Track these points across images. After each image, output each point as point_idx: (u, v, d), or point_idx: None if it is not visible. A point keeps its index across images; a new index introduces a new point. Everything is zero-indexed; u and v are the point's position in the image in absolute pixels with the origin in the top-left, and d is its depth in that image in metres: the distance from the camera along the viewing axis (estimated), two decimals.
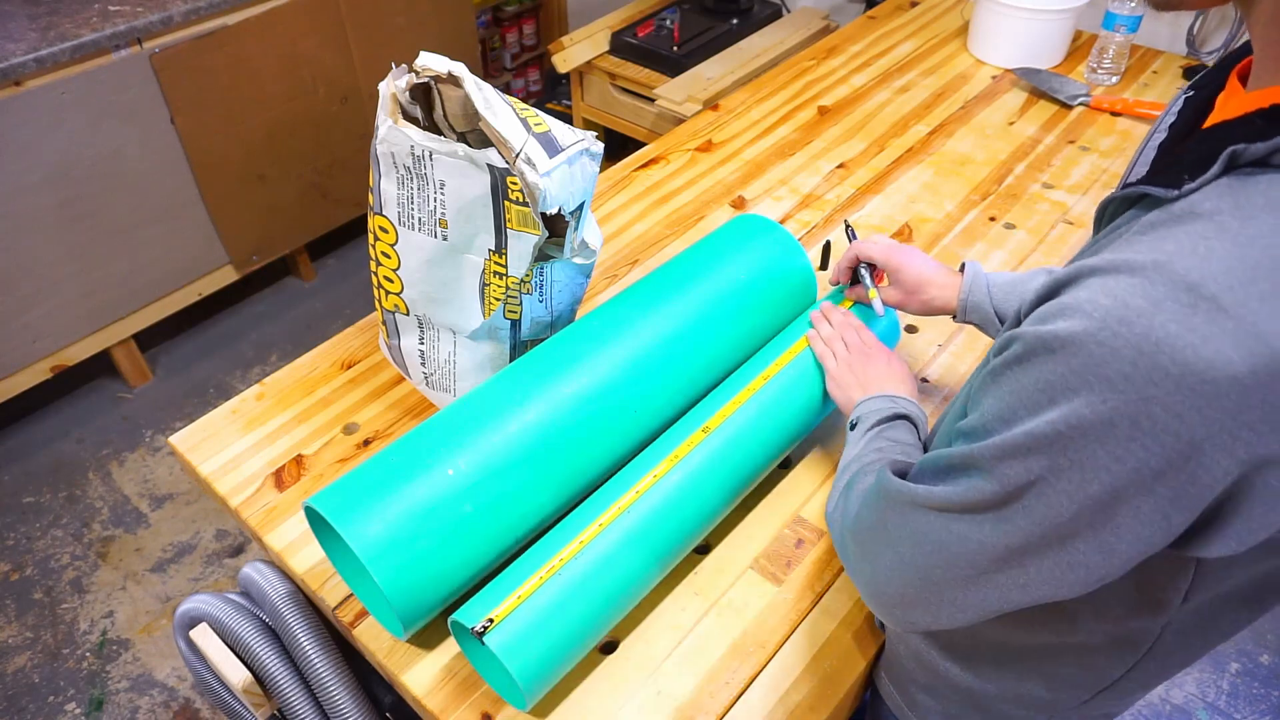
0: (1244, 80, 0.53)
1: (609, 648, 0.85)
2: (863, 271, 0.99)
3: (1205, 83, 0.60)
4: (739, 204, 1.42)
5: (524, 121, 0.84)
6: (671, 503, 0.84)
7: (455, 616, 0.75)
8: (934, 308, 0.94)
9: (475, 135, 0.95)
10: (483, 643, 0.72)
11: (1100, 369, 0.43)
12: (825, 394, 0.95)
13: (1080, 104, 1.63)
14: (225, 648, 0.95)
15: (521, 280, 0.91)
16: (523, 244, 0.88)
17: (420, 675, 0.82)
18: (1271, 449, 0.42)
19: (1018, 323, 0.53)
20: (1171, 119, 0.61)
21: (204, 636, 0.96)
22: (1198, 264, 0.42)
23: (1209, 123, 0.53)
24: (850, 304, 1.02)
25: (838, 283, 1.03)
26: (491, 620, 0.73)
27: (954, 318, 0.94)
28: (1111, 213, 0.57)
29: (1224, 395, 0.41)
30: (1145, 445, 0.43)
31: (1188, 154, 0.49)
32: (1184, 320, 0.41)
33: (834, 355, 0.92)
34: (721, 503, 0.89)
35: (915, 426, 0.80)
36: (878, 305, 0.97)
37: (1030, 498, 0.48)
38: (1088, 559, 0.49)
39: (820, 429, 1.03)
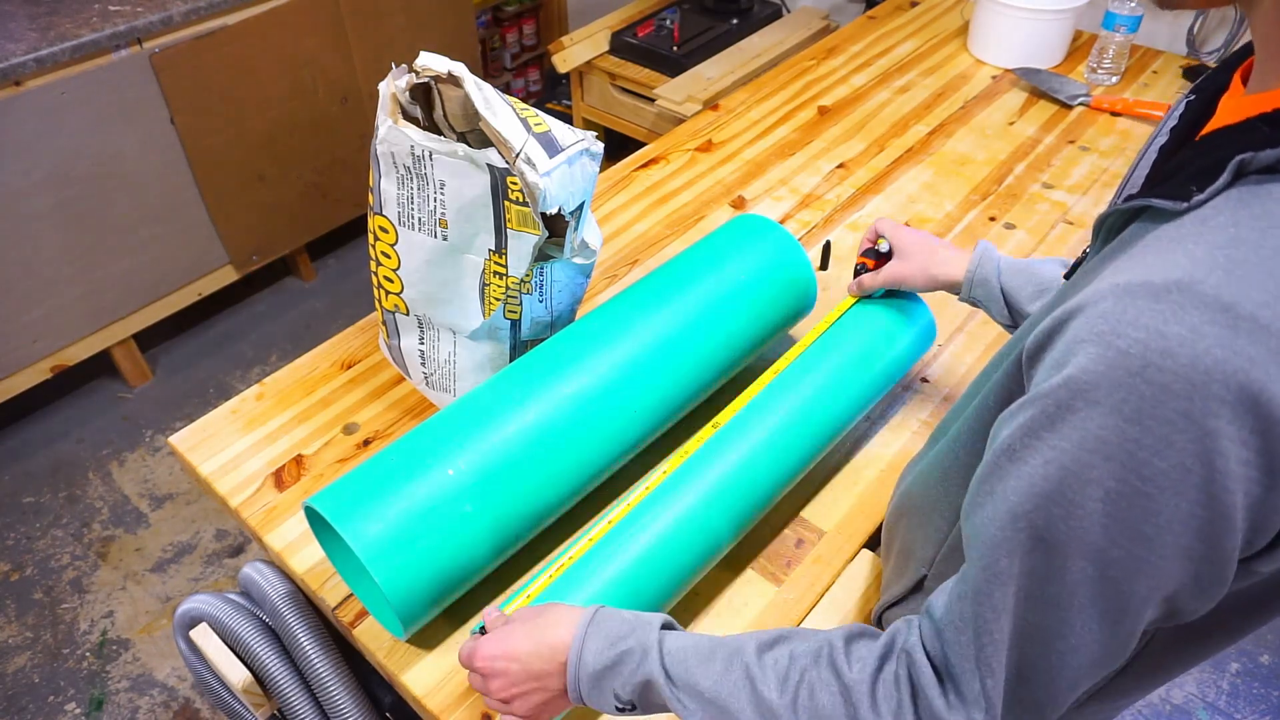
0: (1246, 81, 0.53)
1: None
2: (881, 240, 1.00)
3: (1206, 85, 0.59)
4: (739, 204, 1.42)
5: (524, 121, 0.84)
6: (697, 514, 0.83)
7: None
8: (936, 277, 0.93)
9: (475, 135, 0.95)
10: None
11: (1155, 410, 0.40)
12: (866, 392, 0.96)
13: (1080, 104, 1.63)
14: (225, 648, 0.95)
15: (521, 280, 0.91)
16: (523, 244, 0.88)
17: (420, 675, 0.82)
18: None
19: (1019, 367, 0.50)
20: (1173, 123, 0.60)
21: (204, 636, 0.96)
22: (1226, 281, 0.41)
23: (1210, 126, 0.52)
24: (853, 302, 1.02)
25: (862, 263, 1.02)
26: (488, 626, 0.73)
27: (959, 296, 0.92)
28: (1111, 226, 0.54)
29: None
30: (1224, 485, 0.41)
31: (1191, 163, 0.48)
32: (1228, 344, 0.39)
33: (499, 697, 0.67)
34: (752, 512, 0.87)
35: (669, 627, 0.63)
36: (884, 247, 0.97)
37: (1117, 570, 0.44)
38: (1189, 605, 0.47)
39: None
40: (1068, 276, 0.68)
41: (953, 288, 0.92)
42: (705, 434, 0.87)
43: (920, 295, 1.03)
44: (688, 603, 0.88)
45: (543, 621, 0.64)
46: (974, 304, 0.92)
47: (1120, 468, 0.42)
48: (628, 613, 0.63)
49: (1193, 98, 0.60)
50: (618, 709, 0.61)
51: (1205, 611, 0.48)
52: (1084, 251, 0.60)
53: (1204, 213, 0.45)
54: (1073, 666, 0.48)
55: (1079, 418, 0.43)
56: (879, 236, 1.00)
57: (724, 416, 0.89)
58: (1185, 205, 0.45)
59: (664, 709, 0.60)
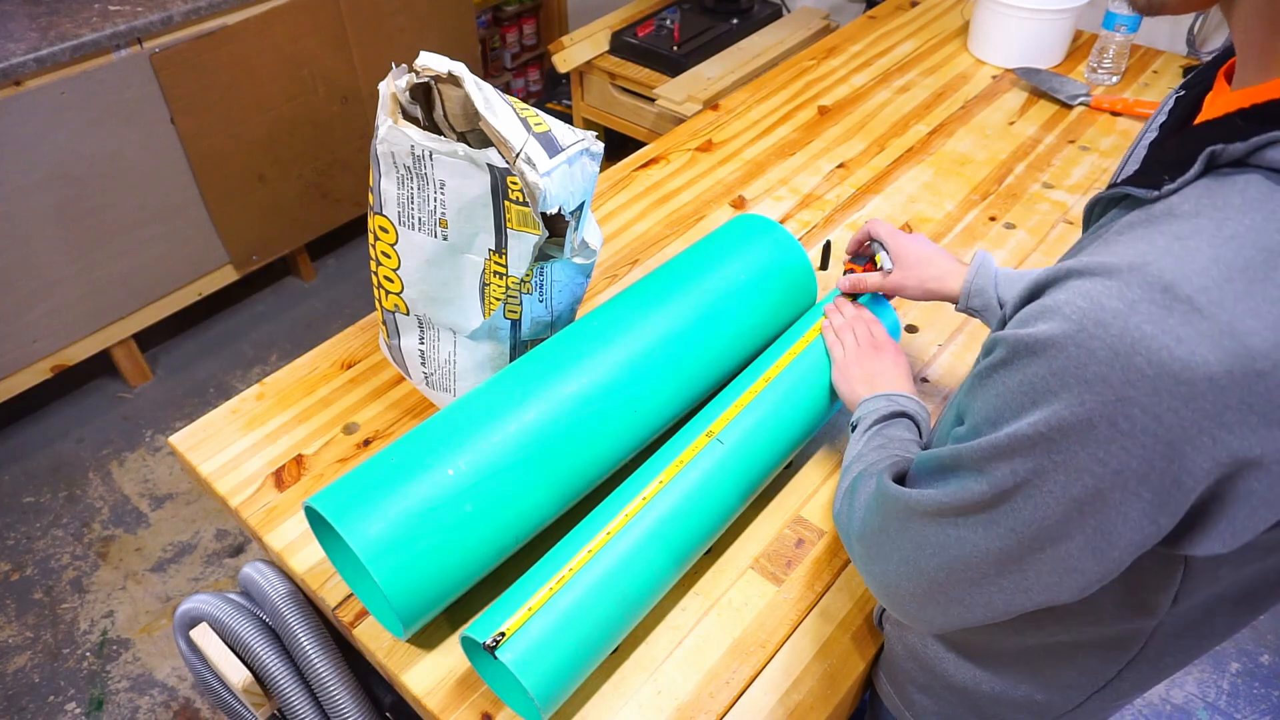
0: (1230, 79, 0.53)
1: None
2: (875, 247, 0.99)
3: (1196, 82, 0.60)
4: (739, 204, 1.42)
5: (524, 121, 0.84)
6: (682, 509, 0.83)
7: (467, 632, 0.75)
8: (933, 290, 0.94)
9: (475, 135, 0.95)
10: (495, 657, 0.72)
11: (1078, 371, 0.44)
12: (832, 392, 0.95)
13: (1080, 104, 1.63)
14: (225, 647, 0.95)
15: (521, 280, 0.91)
16: (523, 244, 0.88)
17: (420, 675, 0.82)
18: (1250, 449, 0.42)
19: (1003, 325, 0.53)
20: (1163, 118, 0.61)
21: (204, 636, 0.96)
22: (1173, 265, 0.43)
23: (1196, 123, 0.53)
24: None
25: (851, 269, 1.03)
26: (503, 634, 0.73)
27: (956, 305, 0.93)
28: (1098, 213, 0.57)
29: (1200, 396, 0.41)
30: (1125, 447, 0.43)
31: (1168, 154, 0.49)
32: (1159, 321, 0.42)
33: (843, 346, 0.93)
34: (732, 507, 0.88)
35: (916, 424, 0.80)
36: (886, 262, 0.96)
37: (1019, 499, 0.49)
38: (1081, 562, 0.49)
39: (823, 429, 1.03)
40: None
41: (949, 298, 0.94)
42: (700, 443, 0.88)
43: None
44: (686, 602, 0.88)
45: (903, 369, 0.90)
46: (971, 313, 0.93)
47: (1036, 409, 0.46)
48: (921, 410, 0.83)
49: (1183, 93, 0.60)
50: (855, 418, 0.85)
51: (1094, 585, 0.51)
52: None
53: (1172, 202, 0.46)
54: (965, 559, 0.54)
55: (1018, 363, 0.47)
56: (870, 241, 1.00)
57: (718, 425, 0.89)
58: (1156, 194, 0.47)
59: (855, 437, 0.81)
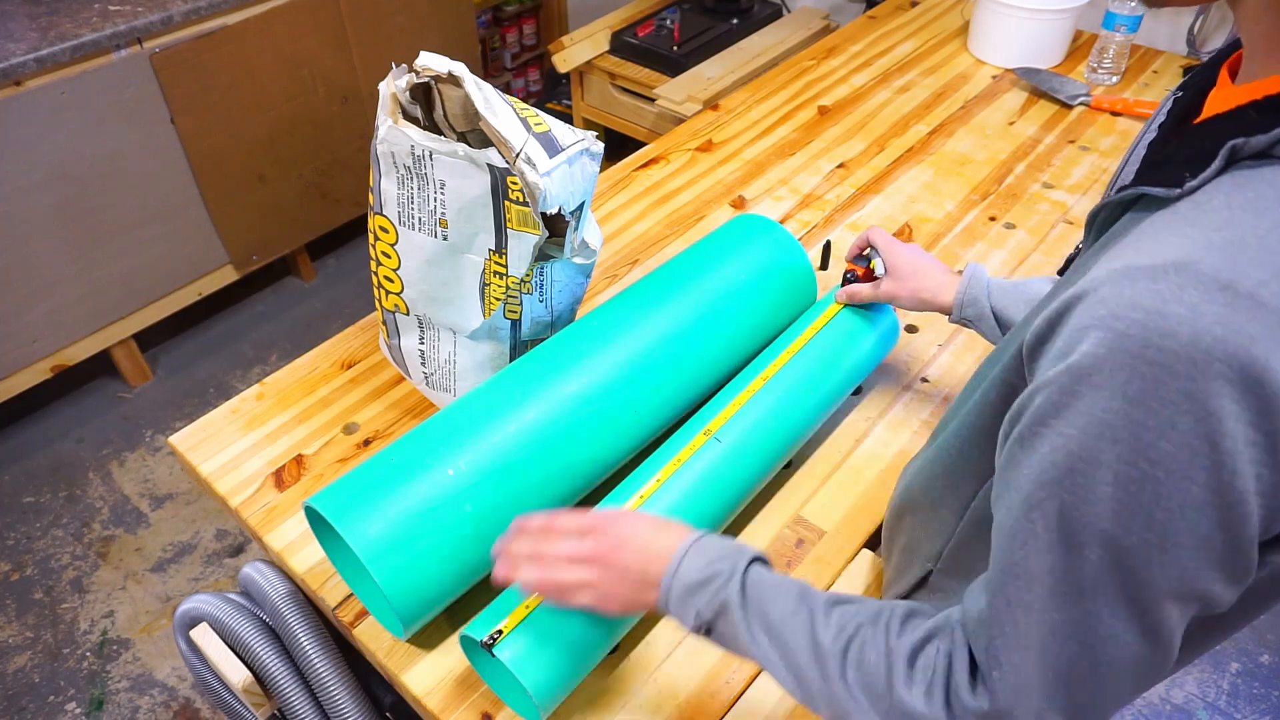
0: (1234, 75, 0.53)
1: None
2: (872, 253, 0.99)
3: (1194, 82, 0.60)
4: (739, 204, 1.42)
5: (524, 121, 0.84)
6: (680, 508, 0.83)
7: (465, 630, 0.75)
8: (926, 301, 0.93)
9: (475, 135, 0.95)
10: (493, 654, 0.72)
11: (1156, 391, 0.40)
12: (834, 389, 0.95)
13: (1080, 104, 1.63)
14: (225, 647, 0.95)
15: (521, 280, 0.91)
16: (523, 244, 0.88)
17: (420, 675, 0.82)
18: None
19: (1019, 360, 0.49)
20: (1161, 119, 0.61)
21: (204, 636, 0.96)
22: (1223, 260, 0.41)
23: (1200, 119, 0.53)
24: (839, 309, 1.02)
25: (851, 270, 1.03)
26: (500, 632, 0.73)
27: (949, 317, 0.93)
28: (1105, 219, 0.55)
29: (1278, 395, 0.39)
30: (1233, 469, 0.40)
31: (1181, 151, 0.48)
32: (1228, 321, 0.39)
33: (586, 582, 0.66)
34: (730, 506, 0.88)
35: (762, 562, 0.63)
36: (880, 270, 0.97)
37: (1141, 569, 0.43)
38: (1228, 596, 0.45)
39: (823, 428, 1.03)
40: (1061, 273, 0.68)
41: (942, 309, 0.93)
42: (699, 442, 0.88)
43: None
44: None
45: (648, 530, 0.66)
46: (964, 324, 0.92)
47: (1128, 450, 0.42)
48: (728, 541, 0.65)
49: (1180, 94, 0.60)
50: (695, 627, 0.62)
51: (1235, 599, 0.46)
52: (1076, 247, 0.60)
53: (1198, 198, 0.45)
54: (1113, 662, 0.46)
55: (1084, 402, 0.43)
56: (869, 247, 1.00)
57: (716, 424, 0.89)
58: (1179, 191, 0.46)
59: (734, 640, 0.61)
